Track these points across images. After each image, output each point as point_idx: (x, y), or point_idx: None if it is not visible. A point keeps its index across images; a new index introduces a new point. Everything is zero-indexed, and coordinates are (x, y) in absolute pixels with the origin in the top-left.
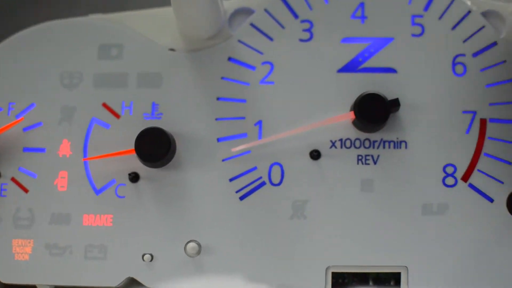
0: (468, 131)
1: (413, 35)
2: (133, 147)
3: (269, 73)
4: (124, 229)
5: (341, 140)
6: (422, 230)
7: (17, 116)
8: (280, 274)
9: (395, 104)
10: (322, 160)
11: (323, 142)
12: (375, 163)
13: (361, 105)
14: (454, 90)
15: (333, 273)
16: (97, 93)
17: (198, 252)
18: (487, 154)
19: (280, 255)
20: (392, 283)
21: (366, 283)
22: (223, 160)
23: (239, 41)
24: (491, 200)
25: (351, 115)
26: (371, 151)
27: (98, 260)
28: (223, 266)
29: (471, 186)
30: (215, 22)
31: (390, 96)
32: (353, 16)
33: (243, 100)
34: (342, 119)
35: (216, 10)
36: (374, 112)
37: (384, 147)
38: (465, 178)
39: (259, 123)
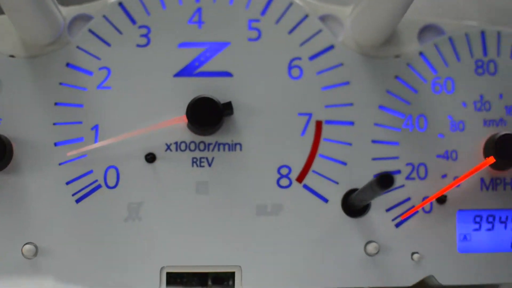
0: (303, 133)
1: (250, 39)
2: None
3: (106, 78)
4: None
5: (176, 143)
6: (256, 230)
7: None
8: (116, 274)
9: (227, 107)
10: (157, 163)
11: (159, 145)
12: (209, 165)
13: (193, 109)
14: (290, 93)
15: (169, 273)
16: None
17: (35, 254)
18: (322, 155)
19: (116, 256)
20: (230, 282)
21: (206, 282)
22: (60, 164)
23: (78, 47)
24: (326, 200)
25: (184, 119)
26: (206, 153)
27: None
28: (60, 267)
29: (306, 187)
30: (52, 28)
31: (225, 99)
32: (191, 21)
33: (81, 105)
34: (175, 123)
35: (51, 17)
36: (206, 115)
37: (219, 149)
38: (300, 179)
39: (96, 127)
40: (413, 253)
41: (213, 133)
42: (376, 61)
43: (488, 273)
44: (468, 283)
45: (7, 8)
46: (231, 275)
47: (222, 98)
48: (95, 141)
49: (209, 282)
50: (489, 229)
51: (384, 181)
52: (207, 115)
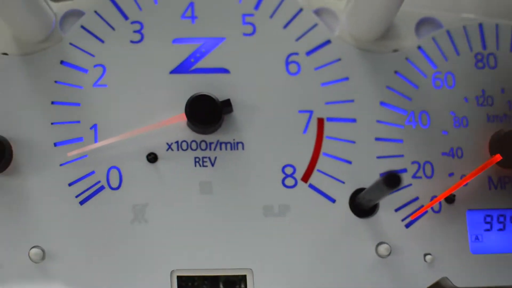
0: (305, 131)
1: (245, 34)
2: None
3: (102, 75)
4: None
5: (177, 142)
6: (265, 232)
7: None
8: (125, 279)
9: (226, 104)
10: (159, 163)
11: (159, 144)
12: (212, 165)
13: (192, 107)
14: (289, 89)
15: (180, 277)
16: None
17: (42, 258)
18: (326, 154)
19: (124, 260)
20: (242, 285)
21: (217, 286)
22: (61, 165)
23: (71, 43)
24: (333, 200)
25: (183, 117)
26: (208, 153)
27: None
28: (68, 271)
29: (312, 186)
30: (44, 25)
31: (223, 97)
32: (184, 16)
33: (77, 104)
34: (175, 121)
35: (42, 13)
36: (205, 113)
37: (221, 148)
38: (305, 178)
39: (95, 126)
40: (425, 254)
41: (213, 131)
42: (374, 55)
43: (504, 274)
44: (484, 285)
45: None
46: (242, 278)
47: (220, 95)
48: (95, 141)
49: (221, 286)
50: (500, 229)
51: (391, 180)
52: (206, 113)
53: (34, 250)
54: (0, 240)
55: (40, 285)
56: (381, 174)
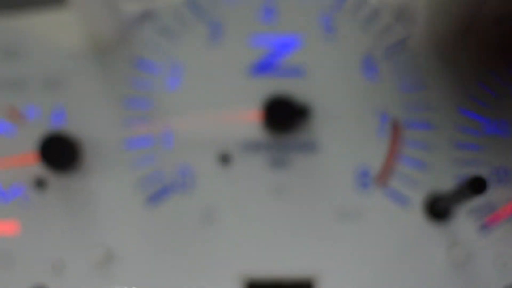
0: (381, 134)
1: (324, 35)
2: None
3: (177, 74)
4: (32, 236)
5: (251, 143)
6: (336, 236)
7: None
8: (192, 280)
9: (304, 114)
10: (232, 164)
11: (233, 145)
12: (286, 167)
13: (270, 108)
14: (366, 91)
15: (246, 281)
16: (1, 96)
17: (108, 259)
18: (401, 158)
19: (191, 262)
20: None
21: None
22: (131, 165)
23: (146, 42)
24: (407, 204)
25: (258, 116)
26: (282, 154)
27: (5, 269)
28: (134, 273)
29: (386, 190)
30: (119, 24)
31: (300, 98)
32: (262, 15)
33: (151, 103)
34: (250, 119)
35: (119, 12)
36: (283, 116)
37: (295, 150)
38: (380, 182)
39: (168, 126)
40: (499, 259)
41: (290, 133)
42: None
43: None
44: None
45: (75, 1)
46: (310, 283)
47: (296, 96)
48: (168, 141)
49: None
50: None
51: (477, 185)
52: (284, 117)
53: (100, 251)
54: (66, 240)
55: (104, 286)
56: (464, 179)
